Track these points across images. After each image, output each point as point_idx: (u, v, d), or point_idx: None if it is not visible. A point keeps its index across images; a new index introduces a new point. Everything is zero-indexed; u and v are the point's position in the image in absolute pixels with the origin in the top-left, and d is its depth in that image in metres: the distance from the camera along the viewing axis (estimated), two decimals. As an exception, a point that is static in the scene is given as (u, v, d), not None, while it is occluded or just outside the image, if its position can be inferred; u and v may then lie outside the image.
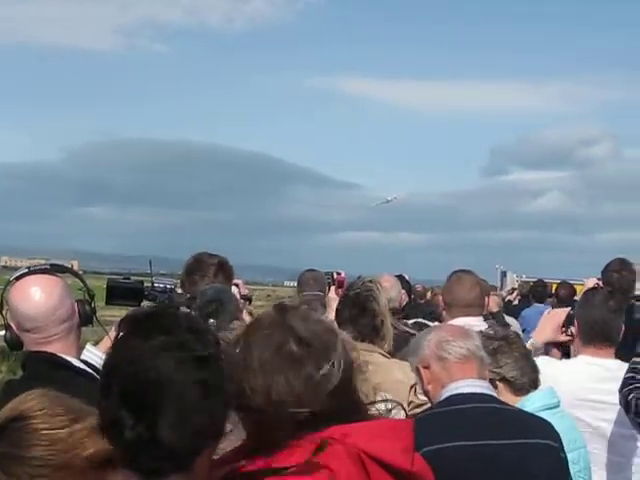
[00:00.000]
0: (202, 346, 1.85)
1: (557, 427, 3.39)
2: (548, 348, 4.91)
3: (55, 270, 3.33)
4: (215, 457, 1.96)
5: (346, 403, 1.99)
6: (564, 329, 4.79)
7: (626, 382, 4.16)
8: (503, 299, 12.59)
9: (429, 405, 3.44)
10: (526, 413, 3.43)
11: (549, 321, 4.97)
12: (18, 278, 3.25)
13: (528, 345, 4.58)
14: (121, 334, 1.92)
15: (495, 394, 3.33)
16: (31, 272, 3.27)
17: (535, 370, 3.93)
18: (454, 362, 3.27)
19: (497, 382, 3.75)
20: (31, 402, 2.24)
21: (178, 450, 1.78)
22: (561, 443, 3.28)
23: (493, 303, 10.21)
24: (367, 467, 1.88)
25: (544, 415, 3.57)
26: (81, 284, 3.43)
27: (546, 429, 3.30)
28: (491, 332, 3.96)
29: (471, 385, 3.21)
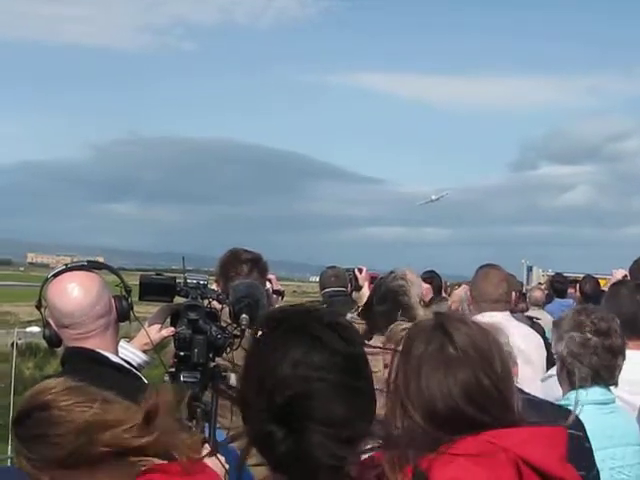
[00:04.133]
0: (350, 348, 1.79)
1: (604, 423, 3.45)
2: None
3: (92, 266, 3.38)
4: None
5: (502, 409, 2.00)
6: None
7: None
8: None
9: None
10: (550, 403, 3.45)
11: None
12: (56, 275, 3.30)
13: None
14: (259, 337, 1.86)
15: (519, 386, 3.33)
16: (68, 269, 3.32)
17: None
18: None
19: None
20: (52, 388, 2.30)
21: (329, 461, 1.70)
22: (585, 433, 3.30)
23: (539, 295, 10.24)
24: (522, 474, 1.86)
25: (591, 410, 3.59)
26: (118, 280, 3.47)
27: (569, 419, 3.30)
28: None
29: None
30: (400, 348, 2.08)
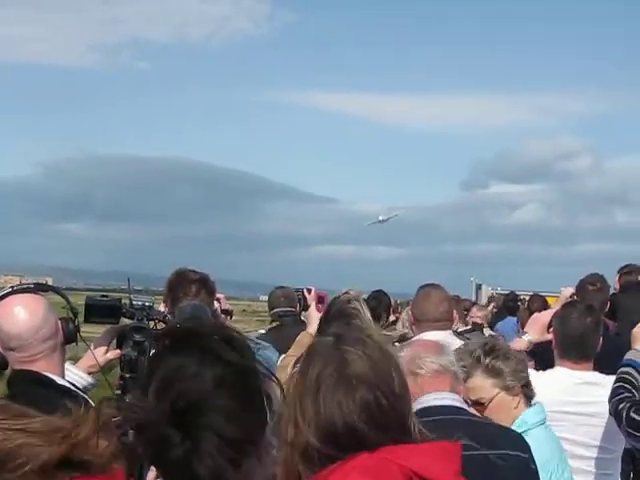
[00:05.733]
0: (244, 360, 1.88)
1: (546, 441, 3.52)
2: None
3: (38, 289, 3.38)
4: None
5: (398, 424, 2.02)
6: (552, 329, 4.85)
7: (615, 392, 4.26)
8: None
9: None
10: (496, 425, 3.46)
11: (535, 322, 5.01)
12: (1, 297, 3.29)
13: (525, 342, 4.68)
14: (158, 351, 1.94)
15: (466, 407, 3.36)
16: (14, 291, 3.31)
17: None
18: (426, 377, 3.28)
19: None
20: None
21: (220, 466, 1.78)
22: (531, 454, 3.30)
23: (480, 316, 10.36)
24: None
25: (539, 430, 3.70)
26: (65, 302, 3.46)
27: (516, 440, 3.34)
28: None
29: (441, 398, 3.23)
30: (297, 368, 2.12)
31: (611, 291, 6.90)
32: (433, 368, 3.31)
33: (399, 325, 7.83)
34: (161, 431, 1.78)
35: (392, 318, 8.74)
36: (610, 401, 4.24)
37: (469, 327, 9.20)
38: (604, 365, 4.65)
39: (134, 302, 3.66)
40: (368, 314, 4.82)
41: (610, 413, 4.25)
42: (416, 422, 2.10)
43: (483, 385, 3.77)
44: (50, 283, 3.74)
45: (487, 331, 9.74)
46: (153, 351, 2.01)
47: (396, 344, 5.67)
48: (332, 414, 1.99)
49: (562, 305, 5.30)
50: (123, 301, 3.72)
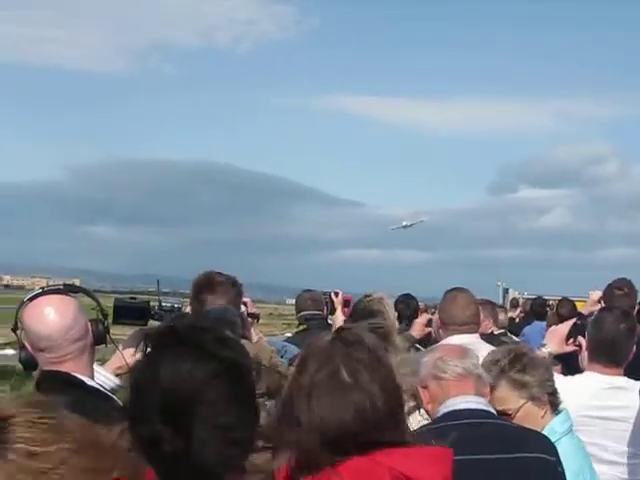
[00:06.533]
0: (236, 358, 1.92)
1: (577, 450, 3.53)
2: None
3: (68, 290, 3.39)
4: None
5: (392, 428, 2.04)
6: (571, 340, 4.85)
7: None
8: (511, 318, 12.60)
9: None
10: (522, 427, 3.45)
11: (553, 335, 4.98)
12: (32, 299, 3.30)
13: (545, 354, 4.66)
14: (149, 350, 1.98)
15: (492, 409, 3.37)
16: (45, 292, 3.33)
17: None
18: (451, 380, 3.31)
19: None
20: (15, 410, 2.20)
21: (213, 464, 1.82)
22: (558, 457, 3.30)
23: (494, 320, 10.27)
24: None
25: (568, 439, 3.68)
26: (94, 303, 3.48)
27: (543, 443, 3.34)
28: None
29: (467, 401, 3.25)
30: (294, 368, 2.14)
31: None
32: (457, 371, 3.32)
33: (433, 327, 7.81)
34: (153, 428, 1.83)
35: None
36: None
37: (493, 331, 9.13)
38: (633, 371, 4.62)
39: (163, 304, 3.67)
40: (392, 315, 4.81)
41: None
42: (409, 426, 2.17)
43: (509, 396, 3.73)
44: (78, 285, 3.76)
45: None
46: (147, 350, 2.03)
47: (417, 346, 5.68)
48: (326, 417, 2.01)
49: (599, 309, 5.29)
50: (152, 303, 3.73)
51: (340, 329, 2.22)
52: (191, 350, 1.90)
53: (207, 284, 4.65)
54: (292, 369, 2.16)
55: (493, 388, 3.63)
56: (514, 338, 9.24)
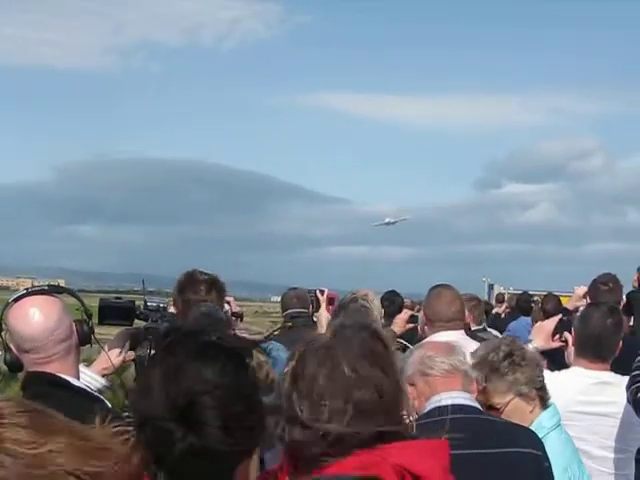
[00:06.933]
0: (238, 353, 1.97)
1: (565, 445, 3.58)
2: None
3: (53, 290, 3.37)
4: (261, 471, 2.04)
5: (393, 422, 2.03)
6: (557, 336, 4.86)
7: (634, 379, 4.23)
8: (486, 312, 12.59)
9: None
10: (509, 423, 3.48)
11: (539, 331, 5.00)
12: (16, 300, 3.28)
13: (531, 349, 4.68)
14: (156, 351, 2.02)
15: (478, 405, 3.37)
16: (29, 293, 3.30)
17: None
18: (438, 377, 3.31)
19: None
20: (4, 411, 2.21)
21: (227, 453, 1.86)
22: (545, 452, 3.32)
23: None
24: None
25: (556, 434, 3.72)
26: (79, 304, 3.47)
27: (530, 438, 3.36)
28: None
29: (453, 397, 3.26)
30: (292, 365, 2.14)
31: (627, 290, 6.87)
32: (443, 368, 3.33)
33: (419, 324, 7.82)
34: (164, 427, 1.84)
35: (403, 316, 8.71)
36: (628, 389, 4.21)
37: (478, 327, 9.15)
38: (619, 366, 4.64)
39: (148, 304, 3.67)
40: (376, 312, 4.81)
41: (628, 401, 4.22)
42: (411, 419, 2.14)
43: (498, 391, 3.76)
44: (62, 285, 3.74)
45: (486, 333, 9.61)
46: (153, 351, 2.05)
47: (399, 341, 5.69)
48: (328, 415, 2.01)
49: (586, 305, 5.32)
50: (137, 303, 3.73)
51: (338, 326, 2.22)
52: (199, 348, 1.94)
53: (190, 283, 4.66)
54: (288, 366, 2.15)
55: (482, 383, 3.65)
56: (494, 333, 9.25)
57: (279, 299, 7.44)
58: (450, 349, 3.47)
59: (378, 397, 2.03)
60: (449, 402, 3.23)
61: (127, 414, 3.46)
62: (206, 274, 4.74)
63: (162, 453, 1.86)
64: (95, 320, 3.49)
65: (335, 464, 1.95)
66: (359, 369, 2.05)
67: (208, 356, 1.93)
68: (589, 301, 5.99)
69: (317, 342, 2.15)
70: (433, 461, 1.99)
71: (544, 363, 4.67)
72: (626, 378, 4.40)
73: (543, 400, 3.85)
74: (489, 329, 9.83)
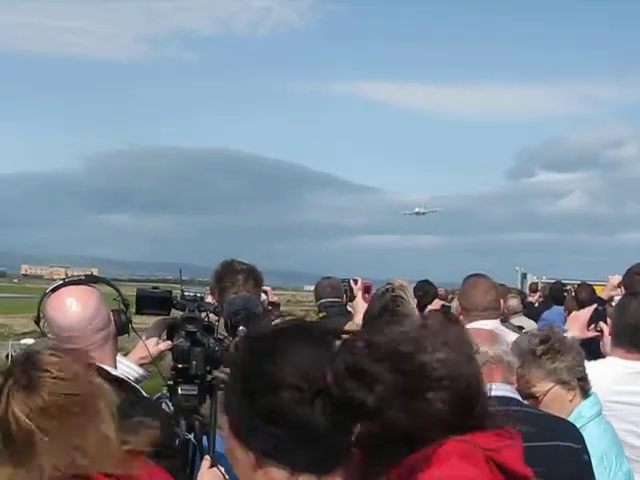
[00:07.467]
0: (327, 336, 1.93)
1: (604, 434, 3.56)
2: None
3: (90, 280, 3.39)
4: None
5: (479, 412, 2.04)
6: (593, 326, 4.83)
7: None
8: (522, 301, 12.56)
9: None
10: (549, 415, 3.45)
11: (575, 321, 5.00)
12: (54, 290, 3.30)
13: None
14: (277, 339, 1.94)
15: (519, 397, 3.35)
16: (66, 283, 3.33)
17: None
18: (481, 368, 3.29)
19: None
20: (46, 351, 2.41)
21: (337, 445, 1.83)
22: (584, 445, 3.30)
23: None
24: (493, 472, 1.89)
25: (596, 423, 3.70)
26: (115, 293, 3.48)
27: (569, 431, 3.35)
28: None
29: (494, 389, 3.23)
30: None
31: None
32: (486, 358, 3.30)
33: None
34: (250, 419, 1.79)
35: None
36: None
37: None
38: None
39: (185, 293, 3.68)
40: (413, 303, 4.80)
41: None
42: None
43: (538, 380, 3.74)
44: (95, 274, 3.76)
45: (517, 320, 9.58)
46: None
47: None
48: (425, 410, 1.99)
49: (623, 294, 5.28)
50: (174, 293, 3.73)
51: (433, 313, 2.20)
52: (307, 337, 1.91)
53: (228, 272, 4.67)
54: None
55: (522, 371, 3.62)
56: (528, 322, 9.20)
57: (312, 288, 7.44)
58: (494, 338, 3.44)
59: (470, 385, 2.02)
60: (492, 394, 3.21)
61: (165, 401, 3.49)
62: (244, 264, 4.75)
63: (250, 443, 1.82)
64: (132, 309, 3.51)
65: (429, 451, 1.94)
66: (448, 360, 2.03)
67: (316, 342, 1.90)
68: (623, 291, 5.94)
69: (407, 331, 2.14)
70: (513, 451, 1.97)
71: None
72: None
73: (584, 390, 3.83)
74: (523, 317, 9.82)
